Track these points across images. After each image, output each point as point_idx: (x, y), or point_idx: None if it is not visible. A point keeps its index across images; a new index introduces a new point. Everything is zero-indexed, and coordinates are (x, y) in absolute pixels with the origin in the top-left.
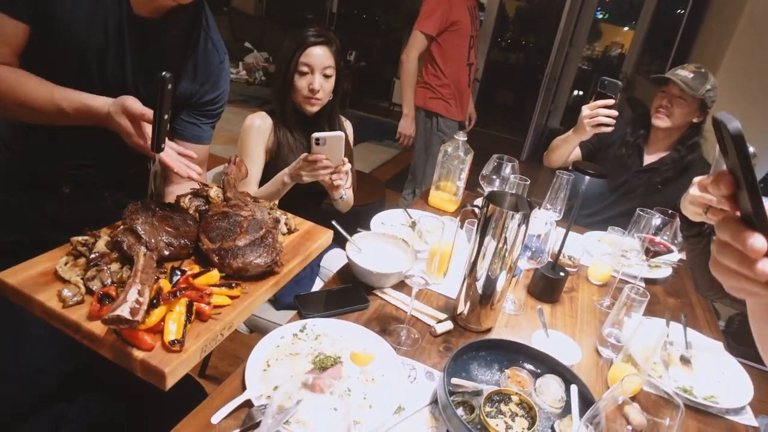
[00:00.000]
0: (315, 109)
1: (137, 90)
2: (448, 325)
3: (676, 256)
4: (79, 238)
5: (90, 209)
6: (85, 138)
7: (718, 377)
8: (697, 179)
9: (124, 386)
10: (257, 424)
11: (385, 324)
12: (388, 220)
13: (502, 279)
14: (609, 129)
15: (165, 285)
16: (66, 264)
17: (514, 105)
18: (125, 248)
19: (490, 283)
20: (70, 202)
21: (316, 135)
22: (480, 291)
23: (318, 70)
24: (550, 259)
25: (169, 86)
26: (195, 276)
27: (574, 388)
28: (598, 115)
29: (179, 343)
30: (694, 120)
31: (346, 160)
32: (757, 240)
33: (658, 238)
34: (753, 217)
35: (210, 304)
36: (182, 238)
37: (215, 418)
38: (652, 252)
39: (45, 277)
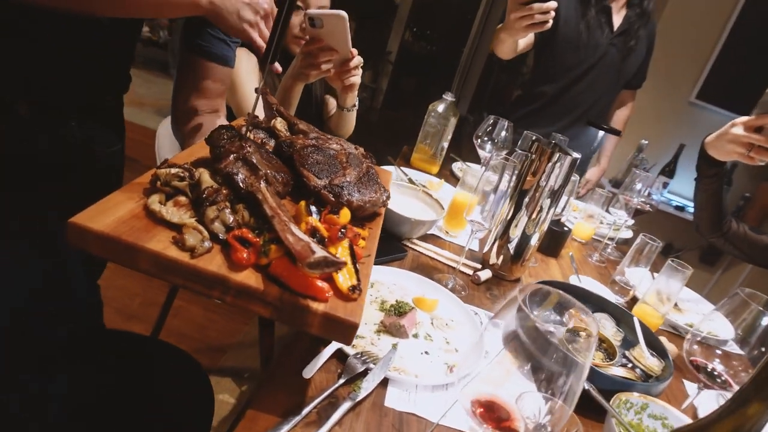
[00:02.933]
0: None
1: None
2: (488, 274)
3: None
4: (171, 170)
5: (51, 141)
6: (62, 38)
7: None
8: (740, 120)
9: (106, 359)
10: (363, 373)
11: (428, 273)
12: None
13: (536, 236)
14: (547, 26)
15: (318, 224)
16: (161, 203)
17: (423, 90)
18: (240, 183)
19: (526, 239)
20: (26, 129)
21: (309, 12)
22: (512, 249)
23: (313, 7)
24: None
25: None
26: (332, 214)
27: (637, 321)
28: (532, 13)
29: (358, 289)
30: None
31: (355, 51)
32: None
33: (636, 200)
34: None
35: (359, 245)
36: (282, 173)
37: (307, 372)
38: (633, 211)
39: (138, 220)
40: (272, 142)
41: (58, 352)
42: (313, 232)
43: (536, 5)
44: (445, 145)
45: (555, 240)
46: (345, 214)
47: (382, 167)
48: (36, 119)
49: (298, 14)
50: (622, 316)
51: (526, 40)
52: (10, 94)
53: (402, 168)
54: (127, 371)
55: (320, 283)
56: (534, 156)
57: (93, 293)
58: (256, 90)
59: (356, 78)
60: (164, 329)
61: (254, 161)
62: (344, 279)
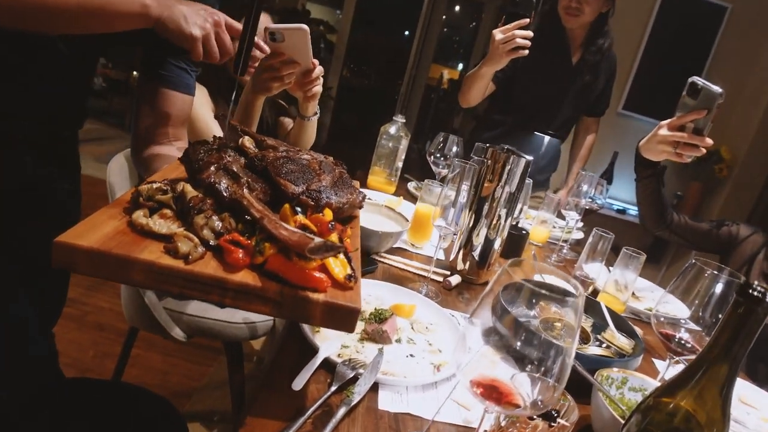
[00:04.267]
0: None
1: None
2: (458, 279)
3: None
4: (153, 185)
5: (2, 175)
6: (14, 66)
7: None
8: (665, 122)
9: (74, 408)
10: (353, 379)
11: (400, 283)
12: None
13: (498, 241)
14: (525, 52)
15: (307, 221)
16: (146, 218)
17: (366, 122)
18: (224, 192)
19: (489, 244)
20: None
21: (270, 27)
22: (477, 256)
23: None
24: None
25: None
26: (314, 213)
27: (604, 306)
28: (514, 38)
29: (354, 277)
30: (603, 10)
31: (316, 62)
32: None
33: (584, 201)
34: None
35: (347, 240)
36: (260, 183)
37: (297, 384)
38: (583, 211)
39: (124, 235)
40: (243, 160)
41: (20, 410)
42: (303, 229)
43: (518, 31)
44: (400, 165)
45: (515, 243)
46: (328, 213)
47: None
48: None
49: None
50: (588, 305)
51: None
52: None
53: (360, 190)
54: (98, 418)
55: (318, 274)
56: (489, 161)
57: (49, 341)
58: (219, 116)
59: (318, 87)
60: (123, 379)
61: (235, 170)
62: (339, 269)
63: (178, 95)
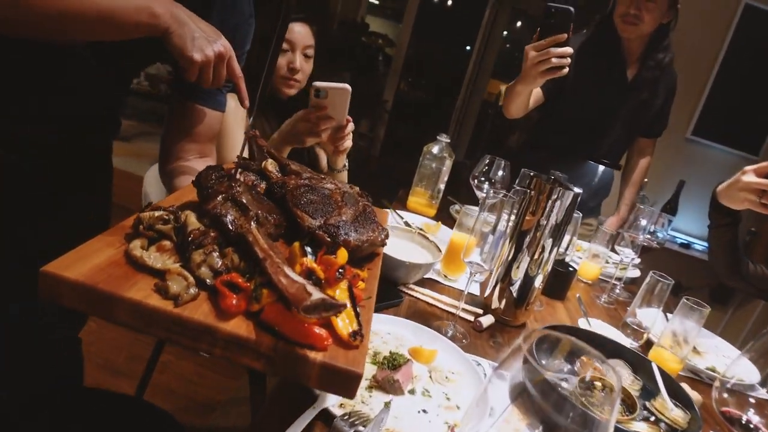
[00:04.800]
0: (293, 91)
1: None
2: (490, 319)
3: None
4: (155, 213)
5: (19, 192)
6: (39, 75)
7: (724, 360)
8: (750, 168)
9: (84, 421)
10: None
11: (426, 320)
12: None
13: (540, 278)
14: (564, 72)
15: (315, 265)
16: (143, 248)
17: (420, 137)
18: (229, 225)
19: (529, 281)
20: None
21: (317, 84)
22: (515, 293)
23: (299, 48)
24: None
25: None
26: (329, 254)
27: (655, 367)
28: (549, 57)
29: (360, 335)
30: (664, 21)
31: (350, 118)
32: None
33: (642, 237)
34: None
35: (358, 287)
36: (275, 215)
37: None
38: (640, 248)
39: (117, 267)
40: (264, 185)
41: (32, 413)
42: (308, 274)
43: (553, 49)
44: (442, 187)
45: (560, 281)
46: (342, 255)
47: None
48: (10, 158)
49: (284, 55)
50: (638, 363)
51: (535, 95)
52: None
53: (397, 211)
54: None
55: (318, 330)
56: (533, 193)
57: (72, 347)
58: (246, 133)
59: (349, 142)
60: (151, 385)
61: (244, 201)
62: (344, 324)
63: (207, 111)
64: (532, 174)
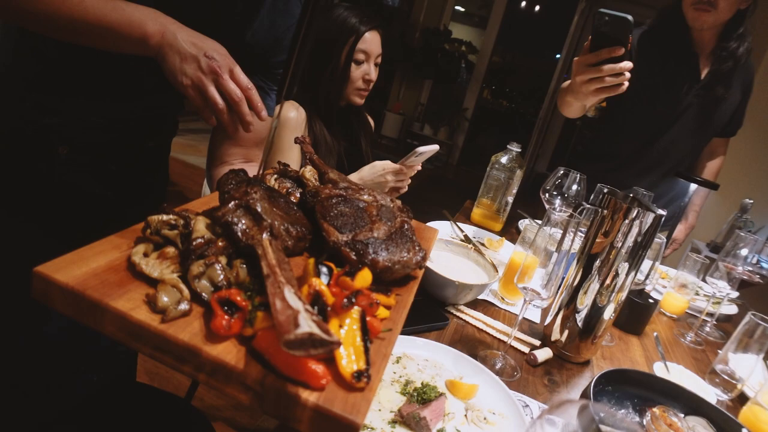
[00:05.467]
0: (363, 101)
1: None
2: (548, 353)
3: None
4: (163, 217)
5: (86, 183)
6: (108, 81)
7: None
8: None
9: (133, 416)
10: None
11: (472, 348)
12: None
13: (611, 308)
14: (622, 89)
15: (324, 288)
16: (146, 254)
17: (500, 146)
18: (239, 234)
19: (597, 311)
20: (63, 169)
21: (419, 150)
22: (581, 323)
23: (372, 58)
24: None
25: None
26: (347, 275)
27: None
28: (602, 75)
29: (366, 375)
30: (741, 7)
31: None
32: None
33: (741, 268)
34: None
35: (377, 316)
36: (299, 226)
37: None
38: (738, 281)
39: (115, 273)
40: (299, 193)
41: (83, 401)
42: (316, 298)
43: (607, 66)
44: (510, 200)
45: (636, 313)
46: (363, 277)
47: (430, 223)
48: (74, 159)
49: (359, 67)
50: (725, 423)
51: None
52: (54, 133)
53: (458, 224)
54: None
55: (314, 366)
56: (605, 212)
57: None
58: (297, 140)
59: (406, 187)
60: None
61: (258, 209)
62: (348, 361)
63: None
64: (606, 190)
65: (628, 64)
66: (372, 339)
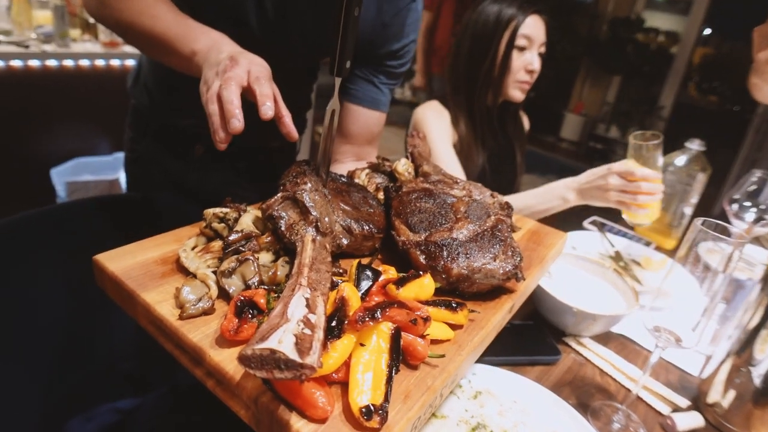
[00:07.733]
0: (523, 96)
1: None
2: (696, 420)
3: None
4: (215, 210)
5: (219, 179)
6: None
7: None
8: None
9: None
10: None
11: (585, 395)
12: (580, 245)
13: None
14: None
15: (351, 295)
16: (194, 248)
17: (708, 150)
18: (283, 228)
19: None
20: (199, 165)
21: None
22: (758, 381)
23: (536, 45)
24: None
25: None
26: (395, 283)
27: None
28: None
29: (380, 412)
30: None
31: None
32: None
33: None
34: None
35: (426, 336)
36: (366, 223)
37: None
38: None
39: (163, 265)
40: (377, 187)
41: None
42: (339, 307)
43: None
44: (688, 211)
45: None
46: (421, 287)
47: (574, 233)
48: (208, 158)
49: (521, 55)
50: None
51: None
52: (192, 135)
53: (610, 234)
54: None
55: (315, 391)
56: None
57: None
58: (408, 135)
59: (644, 199)
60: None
61: (306, 201)
62: (360, 390)
63: (363, 110)
64: None
65: None
66: (416, 365)
